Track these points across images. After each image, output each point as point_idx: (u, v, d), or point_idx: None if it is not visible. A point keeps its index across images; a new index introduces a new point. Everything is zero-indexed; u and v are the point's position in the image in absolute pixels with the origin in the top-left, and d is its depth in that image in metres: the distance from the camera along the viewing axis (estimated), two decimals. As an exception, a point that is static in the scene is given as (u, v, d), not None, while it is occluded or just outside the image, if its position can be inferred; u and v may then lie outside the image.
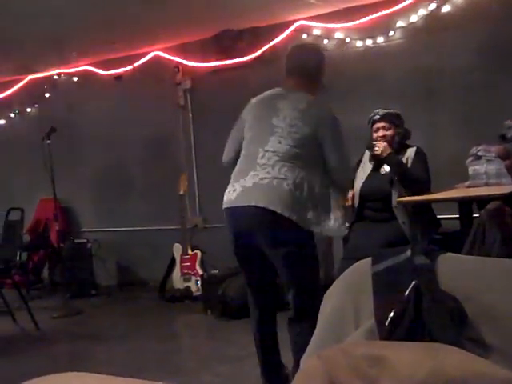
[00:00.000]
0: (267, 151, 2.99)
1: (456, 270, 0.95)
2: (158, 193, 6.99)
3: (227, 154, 3.33)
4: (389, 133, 4.50)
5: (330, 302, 1.05)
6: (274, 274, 3.17)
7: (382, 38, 5.62)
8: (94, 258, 7.13)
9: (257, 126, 3.13)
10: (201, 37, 6.46)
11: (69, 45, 6.46)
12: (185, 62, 6.75)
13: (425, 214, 4.45)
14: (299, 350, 3.09)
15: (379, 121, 4.55)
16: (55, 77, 7.69)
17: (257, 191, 2.93)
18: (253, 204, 2.91)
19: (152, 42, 6.63)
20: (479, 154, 4.74)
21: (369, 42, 5.69)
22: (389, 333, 0.84)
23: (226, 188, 3.15)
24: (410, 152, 4.51)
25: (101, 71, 7.30)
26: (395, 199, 4.32)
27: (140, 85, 7.00)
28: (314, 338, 1.07)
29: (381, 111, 4.57)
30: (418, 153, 4.51)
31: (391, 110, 4.57)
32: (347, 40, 5.80)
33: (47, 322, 5.78)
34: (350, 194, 4.62)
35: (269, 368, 3.28)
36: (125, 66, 7.11)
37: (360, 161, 4.75)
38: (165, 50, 6.85)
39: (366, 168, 4.65)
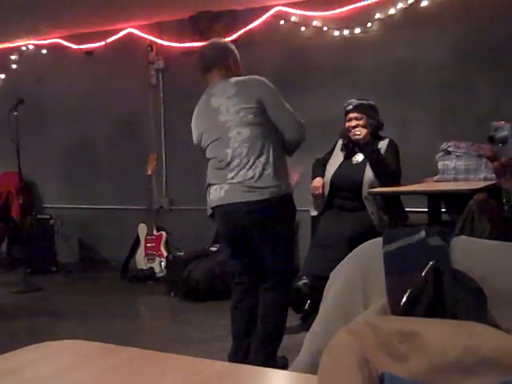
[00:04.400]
0: (234, 149, 3.06)
1: (471, 253, 0.96)
2: (125, 172, 6.91)
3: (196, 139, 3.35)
4: (361, 123, 4.54)
5: (338, 281, 1.05)
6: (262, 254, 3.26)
7: (359, 28, 5.63)
8: (56, 235, 7.01)
9: (211, 131, 3.16)
10: (177, 17, 6.38)
11: (39, 15, 6.29)
12: (159, 41, 6.66)
13: (393, 205, 4.51)
14: (268, 318, 3.20)
15: (352, 111, 4.58)
16: (23, 48, 7.51)
17: (245, 188, 3.03)
18: (245, 200, 3.02)
19: (126, 18, 6.51)
20: (449, 149, 4.81)
21: (346, 32, 5.69)
22: (405, 312, 0.84)
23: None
24: (383, 144, 4.55)
25: (72, 45, 7.14)
26: (366, 189, 4.36)
27: (111, 62, 6.89)
28: (320, 314, 1.06)
29: (354, 101, 4.59)
30: (391, 145, 4.55)
31: (365, 101, 4.60)
32: (324, 29, 5.79)
33: (6, 296, 5.68)
34: (319, 183, 4.66)
35: (238, 351, 3.28)
36: (97, 42, 6.97)
37: (332, 150, 4.78)
38: (139, 27, 6.74)
39: (337, 157, 4.68)
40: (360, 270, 1.01)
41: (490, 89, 5.11)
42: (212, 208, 3.20)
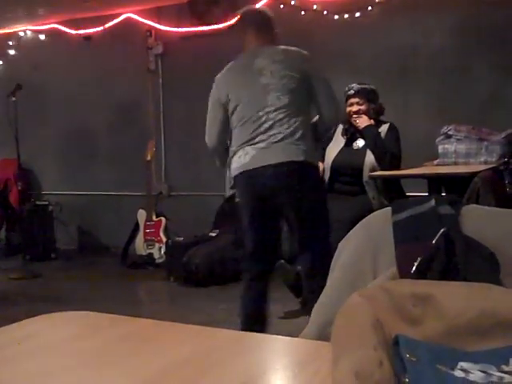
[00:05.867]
0: (268, 112, 3.01)
1: (482, 221, 0.95)
2: (124, 158, 6.90)
3: (211, 139, 3.25)
4: (362, 108, 4.53)
5: (346, 251, 1.04)
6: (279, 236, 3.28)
7: (359, 12, 5.59)
8: (55, 221, 7.00)
9: (247, 91, 3.09)
10: (175, 1, 6.34)
11: (37, 0, 6.25)
12: (158, 26, 6.63)
13: (394, 189, 4.50)
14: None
15: (353, 96, 4.57)
16: (21, 33, 7.46)
17: (273, 150, 2.99)
18: (273, 162, 2.97)
19: (125, 3, 6.48)
20: (449, 133, 4.79)
21: (346, 15, 5.66)
22: (416, 279, 0.83)
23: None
24: (384, 128, 4.54)
25: (70, 30, 7.11)
26: (367, 174, 4.35)
27: (110, 47, 6.86)
28: (328, 285, 1.05)
29: (355, 86, 4.57)
30: (392, 129, 4.54)
31: (366, 86, 4.58)
32: (324, 12, 5.75)
33: (5, 283, 5.68)
34: (320, 168, 4.64)
35: None
36: (95, 27, 6.94)
37: (332, 134, 4.76)
38: (138, 12, 6.71)
39: (338, 142, 4.66)
40: (369, 239, 1.00)
41: (490, 73, 5.09)
42: (235, 176, 3.12)
